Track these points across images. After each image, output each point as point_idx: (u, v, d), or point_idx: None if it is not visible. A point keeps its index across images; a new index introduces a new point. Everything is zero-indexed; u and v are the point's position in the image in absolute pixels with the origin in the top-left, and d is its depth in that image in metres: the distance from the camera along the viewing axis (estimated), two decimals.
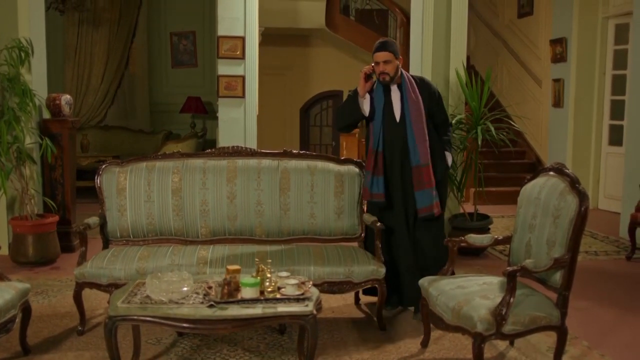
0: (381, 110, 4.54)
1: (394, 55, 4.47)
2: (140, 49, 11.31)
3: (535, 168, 9.59)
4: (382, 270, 4.26)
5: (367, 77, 4.53)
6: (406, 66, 9.29)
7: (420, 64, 6.62)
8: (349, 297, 4.94)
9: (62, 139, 6.38)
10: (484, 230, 6.38)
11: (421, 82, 4.65)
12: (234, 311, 3.28)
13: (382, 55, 4.46)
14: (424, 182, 4.46)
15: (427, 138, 4.49)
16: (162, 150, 9.38)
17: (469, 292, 3.51)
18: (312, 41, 13.29)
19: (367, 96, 4.58)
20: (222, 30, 7.36)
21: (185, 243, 4.61)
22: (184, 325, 3.29)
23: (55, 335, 4.24)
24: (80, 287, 4.20)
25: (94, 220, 4.47)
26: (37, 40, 6.34)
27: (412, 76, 4.63)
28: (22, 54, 6.03)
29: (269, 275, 3.48)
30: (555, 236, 3.44)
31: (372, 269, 4.25)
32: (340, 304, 4.88)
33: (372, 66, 4.50)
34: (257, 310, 3.30)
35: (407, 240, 4.59)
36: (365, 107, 4.59)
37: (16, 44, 6.00)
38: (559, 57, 9.28)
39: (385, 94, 4.56)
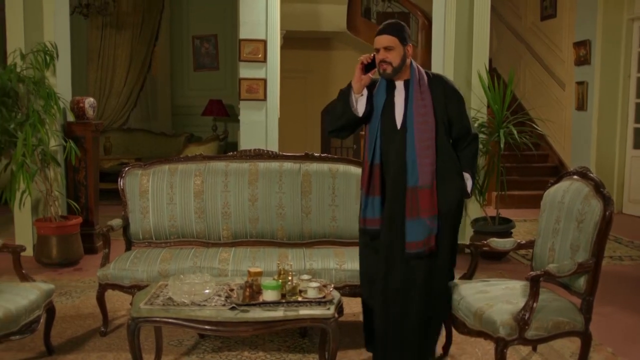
0: (380, 112, 3.61)
1: (400, 40, 3.51)
2: (162, 52, 11.41)
3: (558, 172, 9.49)
4: None
5: (366, 68, 3.58)
6: (427, 69, 9.28)
7: (442, 67, 6.60)
8: None
9: (86, 142, 6.45)
10: (506, 234, 6.33)
11: (435, 79, 3.64)
12: (256, 314, 3.29)
13: (382, 40, 3.52)
14: (418, 209, 3.49)
15: (435, 152, 3.53)
16: (183, 152, 9.44)
17: (491, 296, 3.48)
18: (333, 44, 13.29)
19: (365, 92, 3.63)
20: (244, 34, 7.39)
21: (207, 245, 4.63)
22: (206, 327, 3.31)
23: (78, 335, 4.29)
24: (103, 288, 4.24)
25: (117, 222, 4.51)
26: (62, 44, 6.42)
27: (427, 72, 3.67)
28: (47, 58, 6.12)
29: (290, 278, 3.48)
30: (579, 241, 3.40)
31: None
32: (360, 309, 4.86)
33: (373, 55, 3.58)
34: (278, 313, 3.31)
35: (400, 283, 3.59)
36: (360, 107, 3.64)
37: (41, 48, 6.08)
38: (583, 60, 9.19)
39: (389, 92, 3.63)
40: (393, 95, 3.62)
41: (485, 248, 3.95)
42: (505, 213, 6.85)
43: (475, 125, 6.43)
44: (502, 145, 6.18)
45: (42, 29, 6.29)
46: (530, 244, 3.92)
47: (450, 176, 3.59)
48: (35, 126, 5.78)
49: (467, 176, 3.67)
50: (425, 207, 3.49)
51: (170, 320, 3.33)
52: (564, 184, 3.69)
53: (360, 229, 3.75)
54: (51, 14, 6.31)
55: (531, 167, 10.36)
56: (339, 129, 3.74)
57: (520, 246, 3.99)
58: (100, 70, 11.05)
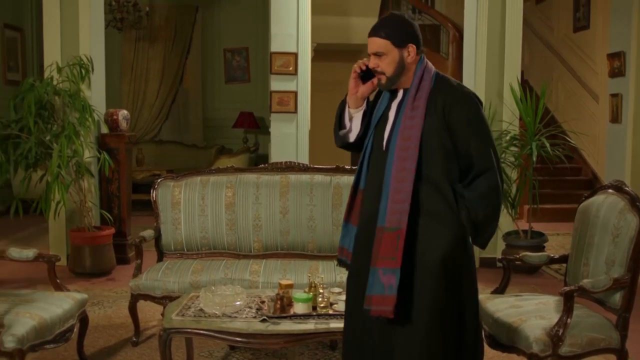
0: (374, 126, 2.93)
1: (394, 43, 2.76)
2: (194, 65, 11.54)
3: (592, 185, 9.37)
4: None
5: (365, 76, 2.92)
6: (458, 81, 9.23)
7: (474, 80, 6.57)
8: None
9: (119, 153, 6.54)
10: (539, 248, 6.25)
11: (439, 86, 2.79)
12: (287, 326, 3.29)
13: (371, 44, 2.80)
14: (378, 256, 2.71)
15: (411, 186, 2.68)
16: (214, 164, 9.51)
17: (524, 311, 3.44)
18: (364, 56, 13.29)
19: (364, 107, 2.96)
20: (275, 47, 7.44)
21: (238, 257, 4.65)
22: (237, 339, 3.32)
23: (110, 345, 4.33)
24: (135, 298, 4.29)
25: (149, 233, 4.56)
26: (97, 57, 6.53)
27: (438, 76, 2.84)
28: (83, 71, 6.22)
29: (321, 290, 3.48)
30: (615, 256, 3.35)
31: None
32: None
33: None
34: (309, 325, 3.31)
35: (383, 341, 2.81)
36: (354, 126, 2.99)
37: (77, 61, 6.19)
38: (617, 72, 9.05)
39: (390, 101, 2.92)
40: (390, 108, 2.90)
41: (517, 262, 3.90)
42: (537, 227, 6.77)
43: (507, 138, 6.38)
44: (534, 158, 6.12)
45: (78, 43, 6.41)
46: (563, 259, 3.87)
47: (437, 222, 2.73)
48: (70, 138, 5.87)
49: (465, 217, 2.76)
50: (383, 254, 2.69)
51: (201, 331, 3.35)
52: (598, 198, 3.64)
53: (338, 260, 3.09)
54: (87, 28, 6.43)
55: (564, 180, 10.22)
56: (345, 145, 3.10)
57: (553, 260, 3.94)
58: (133, 83, 11.22)
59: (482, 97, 6.48)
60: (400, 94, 2.86)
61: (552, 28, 11.69)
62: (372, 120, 2.94)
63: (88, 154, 6.30)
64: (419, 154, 2.72)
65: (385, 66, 2.78)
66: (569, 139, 6.95)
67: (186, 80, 11.59)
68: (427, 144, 2.73)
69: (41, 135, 5.85)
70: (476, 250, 6.58)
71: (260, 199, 4.64)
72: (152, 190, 4.74)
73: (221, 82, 11.70)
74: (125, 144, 6.59)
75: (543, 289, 5.55)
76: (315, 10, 7.82)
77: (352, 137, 3.00)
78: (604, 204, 3.54)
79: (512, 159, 6.37)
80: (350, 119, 2.98)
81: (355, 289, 2.86)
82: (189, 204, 4.66)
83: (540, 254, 4.04)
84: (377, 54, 2.78)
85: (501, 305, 3.56)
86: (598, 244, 3.49)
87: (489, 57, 6.55)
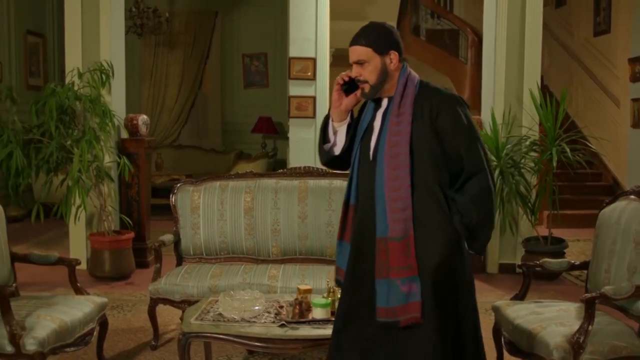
0: (360, 138, 2.87)
1: (375, 50, 2.74)
2: (213, 70, 11.60)
3: (613, 191, 9.27)
4: None
5: (347, 89, 2.86)
6: (477, 87, 9.17)
7: (493, 85, 6.54)
8: None
9: (139, 158, 6.59)
10: (559, 254, 6.20)
11: (424, 92, 2.77)
12: (305, 331, 3.29)
13: (352, 53, 2.78)
14: (388, 267, 2.68)
15: (410, 192, 2.67)
16: (233, 169, 9.54)
17: (544, 318, 3.41)
18: None
19: (347, 120, 2.91)
20: (293, 52, 7.46)
21: (256, 262, 4.66)
22: (255, 343, 3.33)
23: (129, 349, 4.36)
24: (154, 302, 4.31)
25: (168, 237, 4.58)
26: (117, 62, 6.59)
27: (421, 83, 2.81)
28: (104, 76, 6.28)
29: (340, 295, 3.47)
30: (637, 262, 3.31)
31: None
32: None
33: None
34: (327, 331, 3.28)
35: (387, 350, 2.73)
36: (339, 139, 2.93)
37: (98, 67, 6.25)
38: (639, 76, 8.98)
39: (375, 111, 2.87)
40: (375, 117, 2.85)
41: (537, 268, 3.87)
42: (557, 232, 6.71)
43: (527, 143, 6.34)
44: (554, 164, 6.07)
45: (99, 49, 6.46)
46: (584, 265, 3.84)
47: (432, 225, 2.70)
48: (90, 143, 5.92)
49: (458, 223, 2.70)
50: (396, 264, 2.66)
51: (220, 336, 3.36)
52: (620, 204, 3.60)
53: (335, 279, 3.03)
54: (107, 34, 6.49)
55: (585, 185, 10.13)
56: (330, 161, 3.00)
57: (574, 267, 3.91)
58: (153, 88, 11.31)
59: (501, 103, 6.49)
60: (384, 102, 2.82)
61: (572, 32, 11.61)
62: (357, 133, 2.89)
63: (108, 159, 6.35)
64: (411, 160, 2.69)
65: (368, 74, 2.75)
66: (589, 144, 6.89)
67: (205, 85, 11.66)
68: (417, 150, 2.70)
69: (62, 140, 5.91)
70: (495, 256, 6.59)
71: (278, 204, 4.64)
72: (171, 195, 4.76)
73: (240, 87, 11.75)
74: (144, 149, 6.64)
75: (563, 295, 5.49)
76: (334, 15, 7.83)
77: (338, 150, 2.94)
78: (625, 210, 3.50)
79: (532, 165, 6.33)
80: (335, 133, 2.93)
81: (353, 304, 2.81)
82: (208, 209, 4.67)
83: (560, 260, 4.01)
84: (359, 62, 2.75)
85: (521, 312, 3.54)
86: (620, 250, 3.45)
87: (509, 62, 6.51)
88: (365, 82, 2.76)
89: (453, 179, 2.74)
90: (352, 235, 2.87)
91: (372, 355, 2.74)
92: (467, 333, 2.76)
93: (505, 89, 6.51)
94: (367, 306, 2.74)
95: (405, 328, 2.67)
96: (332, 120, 2.91)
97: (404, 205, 2.66)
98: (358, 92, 2.82)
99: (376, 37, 2.75)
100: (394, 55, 2.76)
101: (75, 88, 6.15)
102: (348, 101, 2.85)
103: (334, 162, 3.00)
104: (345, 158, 2.94)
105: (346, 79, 2.81)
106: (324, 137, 2.95)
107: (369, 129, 2.84)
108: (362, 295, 2.76)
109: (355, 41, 2.77)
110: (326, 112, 2.94)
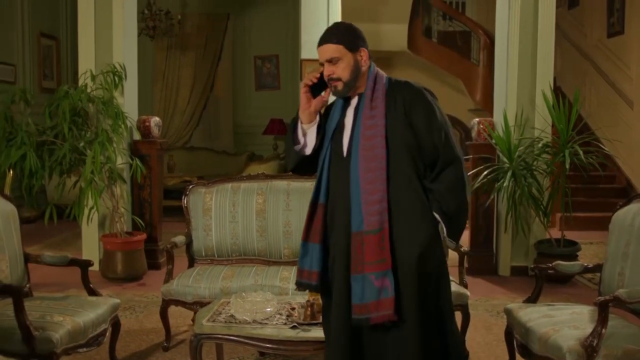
0: (330, 138, 2.89)
1: (347, 47, 2.77)
2: (225, 73, 11.64)
3: (627, 193, 9.21)
4: (467, 294, 4.17)
5: (316, 89, 2.87)
6: (489, 89, 9.13)
7: (505, 86, 6.52)
8: None
9: (151, 160, 6.61)
10: (572, 257, 6.16)
11: (395, 87, 2.83)
12: (317, 333, 3.28)
13: (324, 51, 2.80)
14: (363, 262, 2.68)
15: (386, 185, 2.71)
16: (245, 171, 9.56)
17: (557, 321, 3.39)
18: (394, 64, 13.27)
19: (317, 120, 2.91)
20: (305, 54, 7.47)
21: (268, 264, 4.66)
22: (267, 345, 3.33)
23: (141, 350, 4.37)
24: (166, 304, 4.32)
25: (180, 239, 4.60)
26: (130, 65, 6.62)
27: (390, 79, 2.88)
28: (116, 79, 6.31)
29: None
30: None
31: (455, 292, 4.15)
32: None
33: (321, 71, 2.86)
34: None
35: (376, 345, 2.77)
36: (309, 140, 2.92)
37: (111, 69, 6.28)
38: None
39: (343, 110, 2.91)
40: (345, 115, 2.89)
41: (550, 271, 3.85)
42: (570, 235, 6.67)
43: (539, 145, 6.31)
44: (567, 166, 6.04)
45: (112, 51, 6.50)
46: (597, 268, 3.81)
47: (412, 218, 2.72)
48: (103, 144, 5.95)
49: (440, 220, 2.75)
50: (371, 258, 2.66)
51: (232, 337, 3.36)
52: (633, 207, 3.58)
53: (297, 283, 2.97)
54: (120, 36, 6.52)
55: (598, 188, 10.07)
56: (299, 165, 2.97)
57: (587, 270, 3.88)
58: (165, 90, 11.37)
59: (513, 104, 6.46)
60: (355, 100, 2.86)
61: (585, 33, 11.55)
62: (326, 132, 2.90)
63: (120, 160, 6.38)
64: (387, 152, 2.73)
65: (341, 71, 2.78)
66: (602, 146, 6.84)
67: (217, 87, 11.70)
68: (392, 142, 2.74)
69: (75, 141, 5.94)
70: (507, 258, 6.56)
71: (290, 205, 4.65)
72: (183, 197, 4.78)
73: (251, 89, 11.78)
74: (157, 151, 6.67)
75: (576, 298, 5.46)
76: (346, 17, 7.82)
77: (309, 150, 2.93)
78: (639, 213, 3.47)
79: (545, 167, 6.30)
80: (304, 135, 2.93)
81: (329, 305, 2.86)
82: (220, 211, 4.68)
83: (573, 262, 3.98)
84: (331, 60, 2.78)
85: (533, 315, 3.52)
86: (633, 253, 3.43)
87: (521, 64, 6.48)
88: (339, 79, 2.78)
89: (427, 169, 2.79)
90: (322, 235, 2.86)
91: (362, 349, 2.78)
92: (449, 324, 2.80)
93: (518, 91, 6.49)
94: (345, 305, 2.75)
95: (380, 325, 2.68)
96: (302, 123, 2.91)
97: (379, 198, 2.70)
98: (324, 93, 2.86)
99: (346, 34, 2.80)
100: (364, 52, 2.81)
101: (88, 90, 6.19)
102: (317, 102, 2.87)
103: (302, 165, 2.99)
104: (314, 159, 2.93)
105: (314, 80, 2.84)
106: (293, 140, 2.94)
107: (340, 127, 2.87)
108: (339, 294, 2.78)
109: (325, 40, 2.80)
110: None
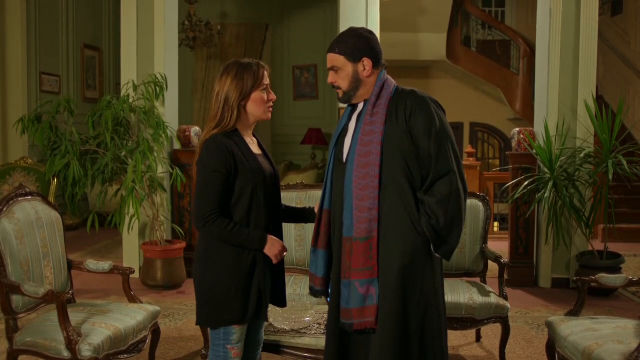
0: (334, 144, 2.94)
1: (347, 57, 2.80)
2: None
3: None
4: (507, 306, 4.12)
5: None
6: (529, 98, 9.01)
7: (546, 96, 6.43)
8: (470, 334, 4.81)
9: (191, 169, 6.68)
10: (615, 269, 6.03)
11: (399, 96, 2.79)
12: None
13: (328, 59, 2.87)
14: (350, 268, 2.70)
15: (377, 192, 2.68)
16: (283, 180, 9.60)
17: (600, 335, 3.32)
18: (432, 73, 13.24)
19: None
20: None
21: (306, 273, 4.66)
22: (305, 355, 3.34)
23: (180, 357, 4.41)
24: None
25: None
26: (171, 75, 6.72)
27: (397, 88, 2.83)
28: (157, 89, 6.40)
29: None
30: None
31: (494, 305, 4.11)
32: (461, 341, 4.75)
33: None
34: None
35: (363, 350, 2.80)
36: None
37: (152, 80, 6.38)
38: None
39: (349, 116, 2.94)
40: (350, 120, 2.91)
41: (593, 284, 3.78)
42: (613, 247, 6.53)
43: (582, 155, 6.20)
44: (610, 177, 5.92)
45: (153, 62, 6.61)
46: None
47: (398, 228, 2.68)
48: (144, 154, 6.04)
49: (424, 223, 2.67)
50: (357, 265, 2.67)
51: (270, 346, 3.37)
52: None
53: (310, 288, 3.00)
54: (162, 47, 6.63)
55: None
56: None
57: (632, 283, 3.79)
58: (204, 100, 11.49)
59: (555, 114, 6.36)
60: (360, 106, 2.87)
61: (629, 41, 11.35)
62: (333, 136, 2.94)
63: (161, 170, 6.47)
64: (380, 160, 2.70)
65: (341, 81, 2.82)
66: None
67: None
68: (388, 150, 2.71)
69: (117, 151, 6.04)
70: (548, 270, 6.46)
71: None
72: None
73: (290, 98, 11.85)
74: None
75: (620, 312, 5.35)
76: (384, 27, 7.84)
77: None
78: None
79: (587, 177, 6.19)
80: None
81: (329, 306, 2.88)
82: None
83: (617, 275, 3.89)
84: (333, 69, 2.83)
85: (576, 328, 3.45)
86: None
87: (563, 73, 6.39)
88: (339, 88, 2.84)
89: (424, 180, 2.72)
90: (327, 241, 2.88)
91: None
92: (431, 342, 2.73)
93: (559, 100, 6.39)
94: (335, 309, 2.79)
95: (363, 331, 2.70)
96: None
97: (370, 205, 2.67)
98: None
99: (348, 44, 2.80)
100: (367, 62, 2.80)
101: (130, 100, 6.29)
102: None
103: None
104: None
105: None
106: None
107: (344, 132, 2.89)
108: (332, 297, 2.82)
109: (330, 48, 2.85)
110: None
